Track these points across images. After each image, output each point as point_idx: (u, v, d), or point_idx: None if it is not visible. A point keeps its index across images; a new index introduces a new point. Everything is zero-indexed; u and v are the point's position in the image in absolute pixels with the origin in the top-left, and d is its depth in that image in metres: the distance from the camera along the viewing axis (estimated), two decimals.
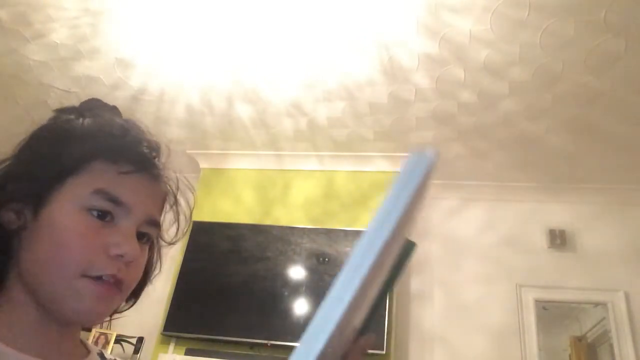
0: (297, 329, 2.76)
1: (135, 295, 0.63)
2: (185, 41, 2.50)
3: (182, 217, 0.66)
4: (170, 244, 0.68)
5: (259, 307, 2.83)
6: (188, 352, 2.82)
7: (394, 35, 2.34)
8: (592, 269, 3.11)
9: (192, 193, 0.69)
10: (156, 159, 0.62)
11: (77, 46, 2.62)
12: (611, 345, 2.94)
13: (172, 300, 2.94)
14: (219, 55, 2.57)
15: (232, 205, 3.33)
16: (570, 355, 3.05)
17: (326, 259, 2.96)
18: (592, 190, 3.30)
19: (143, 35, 2.50)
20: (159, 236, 0.65)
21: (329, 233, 3.04)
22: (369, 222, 0.34)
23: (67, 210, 0.54)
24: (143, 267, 0.60)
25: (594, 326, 3.09)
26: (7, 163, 0.59)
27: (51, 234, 0.54)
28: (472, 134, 2.99)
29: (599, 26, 2.16)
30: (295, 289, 2.89)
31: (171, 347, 2.88)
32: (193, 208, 0.69)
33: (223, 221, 3.20)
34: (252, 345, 2.74)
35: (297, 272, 2.95)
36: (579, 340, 3.08)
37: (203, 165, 3.51)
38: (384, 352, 2.66)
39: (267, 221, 3.21)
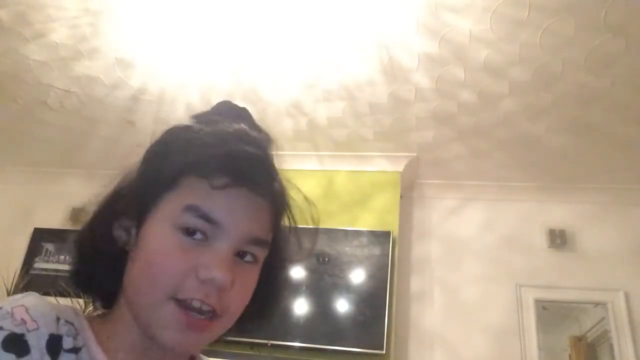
0: (297, 329, 2.77)
1: (260, 314, 0.60)
2: (185, 41, 2.50)
3: (301, 232, 0.62)
4: (296, 261, 0.63)
5: None
6: None
7: (394, 35, 2.34)
8: (592, 269, 3.11)
9: (311, 204, 0.64)
10: (257, 171, 0.55)
11: (77, 46, 2.62)
12: (611, 345, 2.94)
13: None
14: (219, 55, 2.57)
15: None
16: (570, 355, 3.05)
17: (326, 259, 2.96)
18: (592, 190, 3.30)
19: (143, 35, 2.50)
20: (279, 254, 0.60)
21: (329, 233, 3.03)
22: None
23: (159, 229, 0.52)
24: (248, 289, 0.55)
25: (594, 326, 3.09)
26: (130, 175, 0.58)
27: (144, 253, 0.52)
28: (472, 134, 2.99)
29: (599, 26, 2.16)
30: (295, 289, 2.89)
31: None
32: (319, 221, 0.64)
33: None
34: (252, 345, 2.74)
35: (297, 272, 2.95)
36: (579, 340, 3.08)
37: None
38: (383, 352, 2.66)
39: None
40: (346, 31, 2.35)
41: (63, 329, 0.49)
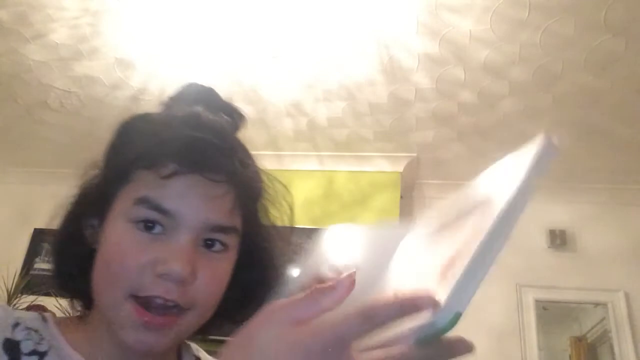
0: None
1: (245, 303, 0.58)
2: (185, 41, 2.50)
3: (275, 213, 0.59)
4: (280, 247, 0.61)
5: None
6: None
7: (394, 35, 2.34)
8: (592, 269, 3.11)
9: (281, 184, 0.60)
10: (210, 156, 0.51)
11: (77, 46, 2.62)
12: (611, 345, 2.94)
13: None
14: (219, 55, 2.57)
15: None
16: (570, 355, 3.05)
17: None
18: (592, 190, 3.30)
19: (143, 35, 2.50)
20: (256, 239, 0.58)
21: None
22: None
23: (115, 225, 0.50)
24: (221, 278, 0.52)
25: (594, 326, 3.09)
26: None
27: (102, 252, 0.51)
28: (472, 134, 2.99)
29: (599, 26, 2.16)
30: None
31: None
32: (292, 203, 0.61)
33: None
34: None
35: (297, 272, 2.95)
36: (579, 340, 3.08)
37: None
38: None
39: None
40: (346, 31, 2.35)
41: (20, 335, 0.50)
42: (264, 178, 0.59)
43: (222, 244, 0.52)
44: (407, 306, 0.30)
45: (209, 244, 0.51)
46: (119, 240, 0.49)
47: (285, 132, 3.17)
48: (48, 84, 2.92)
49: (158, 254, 0.48)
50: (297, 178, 3.39)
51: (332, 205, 3.24)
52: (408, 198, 3.48)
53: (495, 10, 2.16)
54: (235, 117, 0.61)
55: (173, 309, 0.49)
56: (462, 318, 0.29)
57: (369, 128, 3.06)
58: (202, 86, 0.62)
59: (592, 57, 2.33)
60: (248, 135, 0.58)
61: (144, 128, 0.54)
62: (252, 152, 0.58)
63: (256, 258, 0.59)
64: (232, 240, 0.53)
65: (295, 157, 3.39)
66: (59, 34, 2.54)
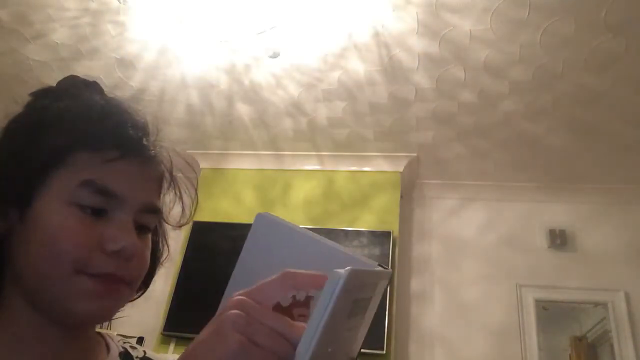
0: None
1: (145, 284, 0.59)
2: (185, 41, 2.50)
3: (185, 197, 0.62)
4: (180, 226, 0.63)
5: None
6: None
7: (394, 35, 2.34)
8: (592, 269, 3.11)
9: (193, 169, 0.63)
10: (144, 139, 0.56)
11: (77, 46, 2.62)
12: (611, 345, 2.94)
13: (172, 300, 2.94)
14: (219, 55, 2.57)
15: (232, 205, 3.33)
16: (570, 355, 3.05)
17: None
18: (592, 190, 3.30)
19: (143, 35, 2.50)
20: (162, 220, 0.60)
21: (329, 233, 3.03)
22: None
23: (53, 207, 0.50)
24: (148, 258, 0.56)
25: (594, 326, 3.09)
26: None
27: (40, 234, 0.49)
28: (472, 134, 2.99)
29: (599, 26, 2.16)
30: None
31: (171, 347, 2.88)
32: (197, 185, 0.64)
33: (223, 221, 3.20)
34: None
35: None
36: (579, 340, 3.08)
37: (203, 165, 3.51)
38: (384, 352, 2.66)
39: None
40: (346, 31, 2.35)
41: None
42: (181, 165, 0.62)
43: (148, 225, 0.55)
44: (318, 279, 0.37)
45: (141, 225, 0.54)
46: (61, 221, 0.49)
47: (285, 132, 3.17)
48: (48, 84, 2.91)
49: (105, 233, 0.50)
50: (297, 178, 3.39)
51: (332, 205, 3.24)
52: (408, 198, 3.48)
53: (495, 10, 2.16)
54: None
55: (118, 282, 0.51)
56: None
57: (369, 128, 3.06)
58: (85, 78, 0.63)
59: (592, 57, 2.33)
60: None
61: (75, 113, 0.55)
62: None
63: (157, 240, 0.62)
64: (155, 222, 0.57)
65: (295, 157, 3.39)
66: (59, 34, 2.54)
